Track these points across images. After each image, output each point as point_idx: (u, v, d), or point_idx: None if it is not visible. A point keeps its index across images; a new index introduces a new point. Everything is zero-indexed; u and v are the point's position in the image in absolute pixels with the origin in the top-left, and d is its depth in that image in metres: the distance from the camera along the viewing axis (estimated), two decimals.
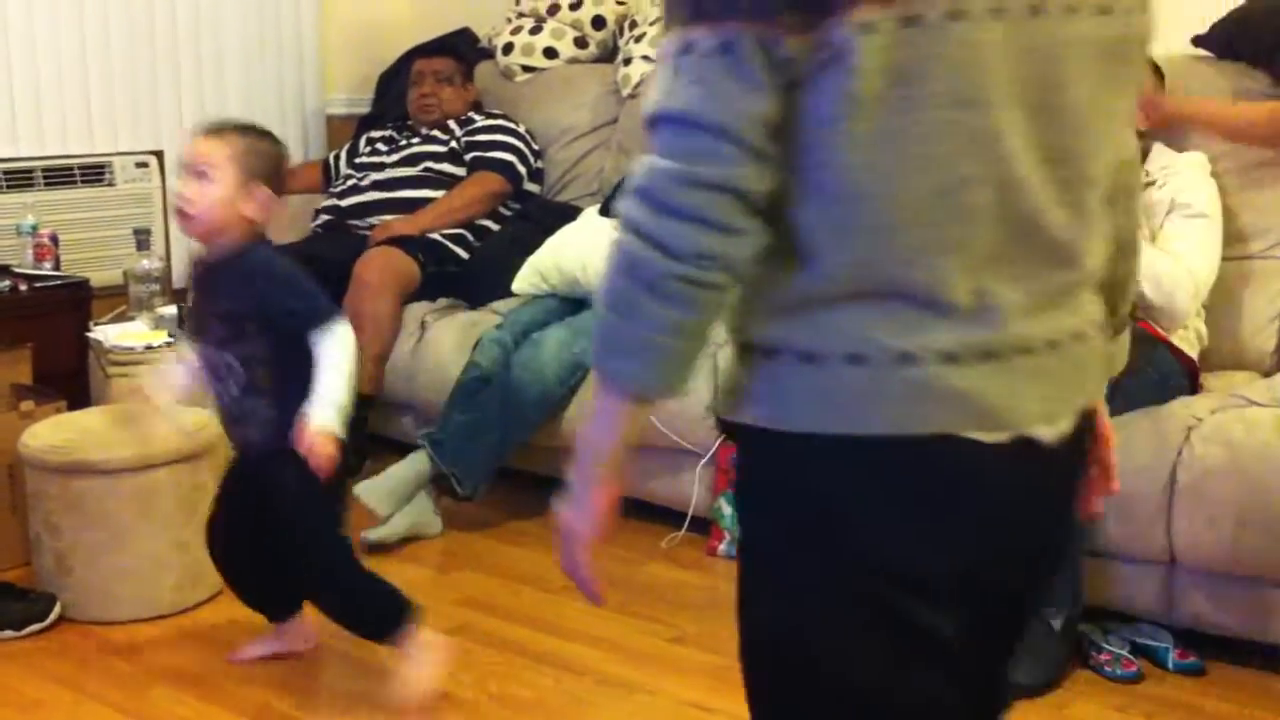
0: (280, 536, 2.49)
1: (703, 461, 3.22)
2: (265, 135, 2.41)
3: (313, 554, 2.52)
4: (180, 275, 3.88)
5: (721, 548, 3.22)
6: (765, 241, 1.15)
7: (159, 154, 4.27)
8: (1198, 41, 3.34)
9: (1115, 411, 2.57)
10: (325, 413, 2.34)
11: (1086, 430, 1.28)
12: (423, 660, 2.49)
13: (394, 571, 3.13)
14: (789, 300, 1.17)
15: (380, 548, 3.25)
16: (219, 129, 2.37)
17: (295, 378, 2.35)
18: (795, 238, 1.15)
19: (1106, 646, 2.64)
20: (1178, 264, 2.83)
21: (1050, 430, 1.19)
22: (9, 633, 2.79)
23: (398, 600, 2.50)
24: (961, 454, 1.14)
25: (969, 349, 1.14)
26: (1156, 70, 3.04)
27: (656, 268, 1.12)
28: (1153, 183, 2.98)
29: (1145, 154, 3.05)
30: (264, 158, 2.36)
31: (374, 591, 2.52)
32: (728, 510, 3.20)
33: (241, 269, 2.38)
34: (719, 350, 3.16)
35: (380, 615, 2.51)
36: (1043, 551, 1.28)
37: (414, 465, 3.33)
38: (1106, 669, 2.60)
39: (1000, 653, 1.31)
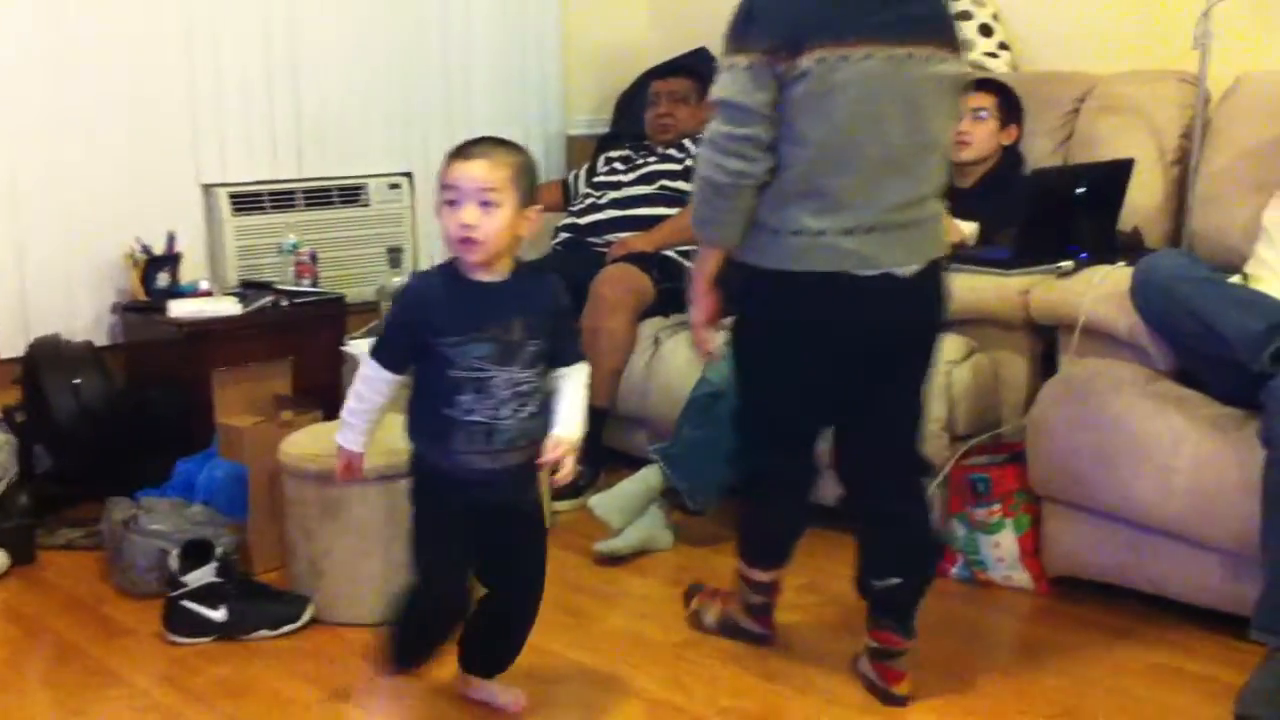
0: (518, 563, 2.51)
1: (935, 482, 3.16)
2: (524, 150, 2.38)
3: (540, 579, 2.56)
4: None
5: (955, 570, 3.16)
6: (771, 164, 2.40)
7: (409, 175, 4.45)
8: None
9: None
10: (577, 429, 2.41)
11: (934, 276, 2.48)
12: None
13: (625, 583, 3.20)
14: (770, 200, 2.42)
15: (612, 560, 3.30)
16: (488, 151, 2.29)
17: (546, 386, 2.40)
18: (779, 163, 2.39)
19: None
20: None
21: (905, 270, 2.41)
22: (265, 631, 2.93)
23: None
24: (849, 279, 2.39)
25: (858, 226, 2.38)
26: None
27: (719, 180, 2.41)
28: None
29: None
30: (531, 175, 2.34)
31: None
32: (961, 532, 3.14)
33: (540, 290, 2.38)
34: (952, 370, 3.14)
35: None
36: (905, 330, 2.49)
37: (646, 479, 3.38)
38: None
39: (885, 389, 2.53)
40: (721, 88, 2.40)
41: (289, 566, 3.12)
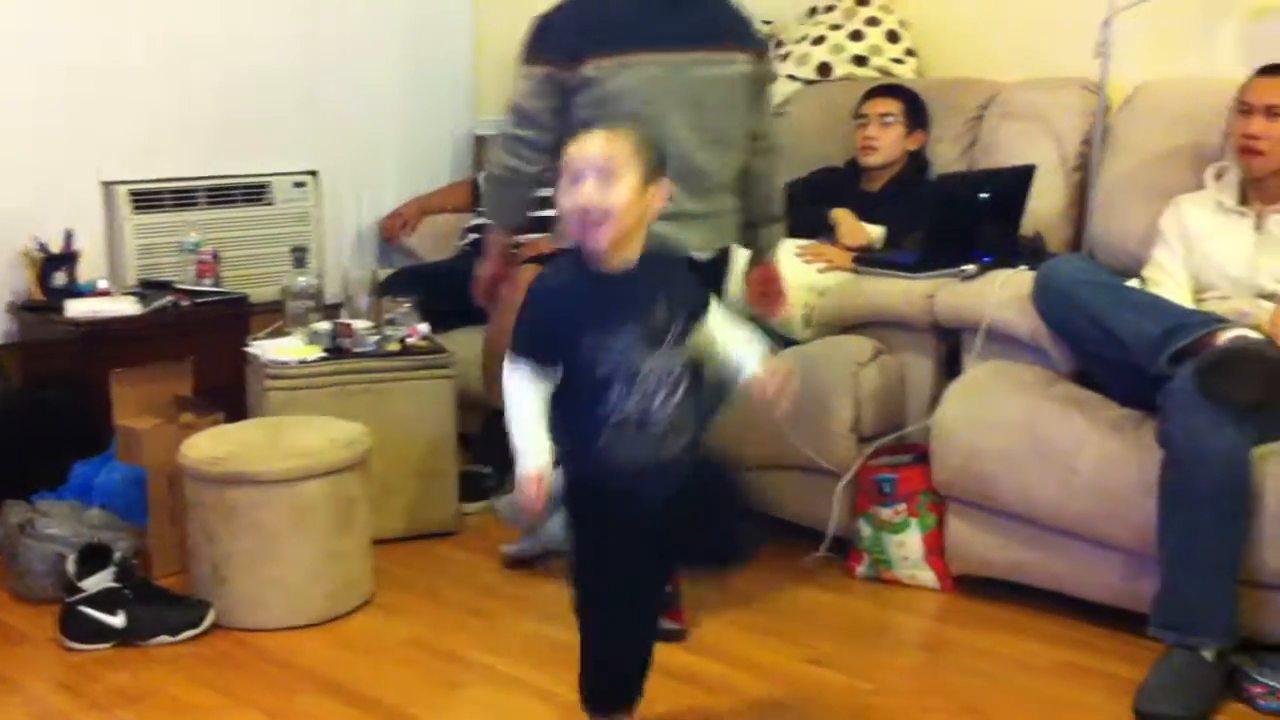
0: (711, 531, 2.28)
1: (842, 482, 3.19)
2: (641, 129, 2.25)
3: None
4: (334, 292, 3.99)
5: (861, 569, 3.19)
6: (546, 164, 2.75)
7: (315, 174, 4.40)
8: None
9: (1276, 437, 2.55)
10: (765, 355, 2.27)
11: (725, 263, 2.87)
12: None
13: (534, 586, 3.19)
14: None
15: (520, 562, 3.29)
16: (607, 130, 2.18)
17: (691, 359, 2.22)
18: None
19: (1260, 679, 2.55)
20: None
21: (703, 254, 2.74)
22: (165, 638, 2.87)
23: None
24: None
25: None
26: None
27: (497, 173, 2.88)
28: None
29: None
30: (655, 151, 2.18)
31: None
32: (867, 531, 3.17)
33: (679, 264, 2.30)
34: (859, 371, 3.17)
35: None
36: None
37: (556, 480, 3.35)
38: (1260, 702, 2.52)
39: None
40: (514, 94, 2.79)
41: (190, 571, 3.07)
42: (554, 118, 2.74)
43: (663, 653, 2.80)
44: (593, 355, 2.11)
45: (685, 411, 2.17)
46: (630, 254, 2.15)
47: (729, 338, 2.27)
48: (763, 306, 3.09)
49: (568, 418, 2.16)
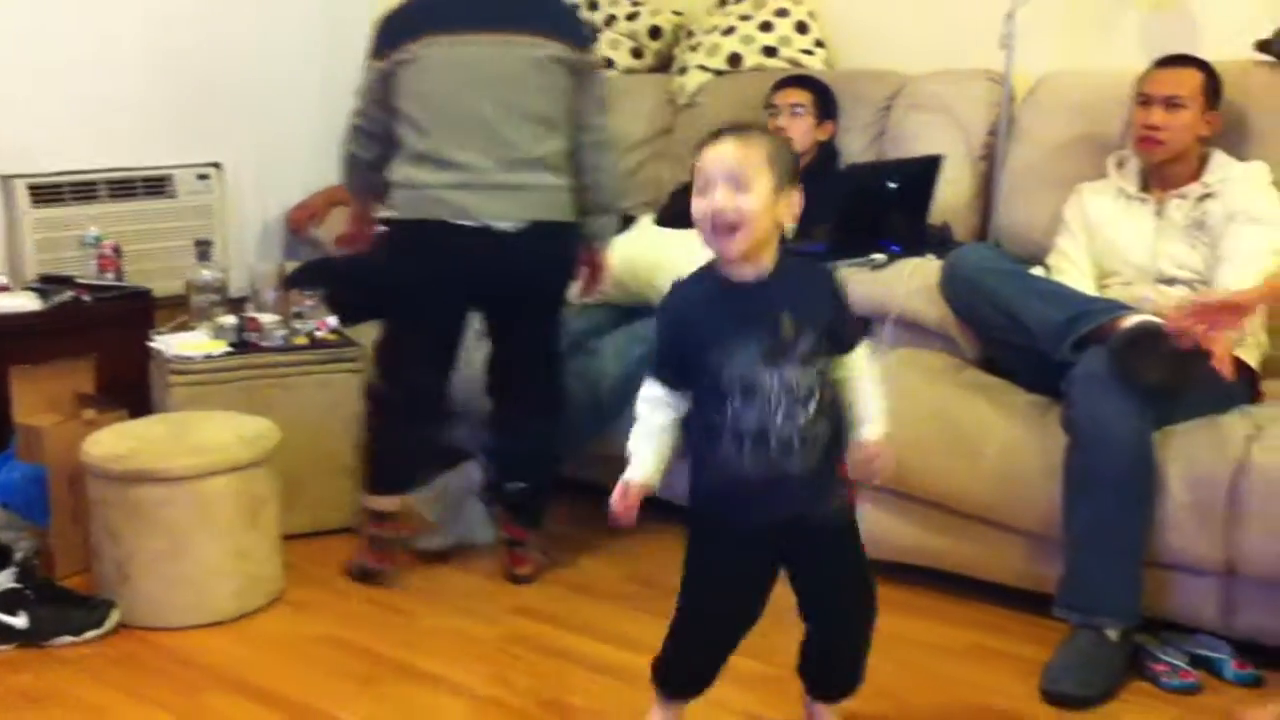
0: (830, 587, 2.25)
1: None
2: (780, 139, 2.19)
3: (863, 601, 2.29)
4: (240, 286, 3.93)
5: None
6: (379, 150, 3.05)
7: (218, 166, 4.33)
8: (1261, 47, 3.30)
9: (1176, 419, 2.61)
10: (887, 424, 2.19)
11: (546, 237, 3.00)
12: None
13: (447, 580, 3.17)
14: (397, 163, 3.00)
15: (432, 555, 3.26)
16: (741, 133, 2.09)
17: (831, 377, 2.15)
18: (400, 139, 2.98)
19: (1163, 657, 2.60)
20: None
21: (503, 224, 2.93)
22: (68, 638, 2.82)
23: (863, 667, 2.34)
24: (450, 228, 2.93)
25: (460, 183, 2.90)
26: (1212, 78, 3.01)
27: (343, 154, 3.16)
28: (1210, 195, 2.96)
29: (1203, 162, 3.02)
30: (790, 157, 2.12)
31: None
32: None
33: (812, 279, 2.15)
34: None
35: (857, 677, 2.34)
36: (512, 279, 3.01)
37: (466, 474, 3.35)
38: (1163, 680, 2.57)
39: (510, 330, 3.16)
40: (361, 83, 3.09)
41: (93, 570, 3.02)
42: (379, 109, 3.02)
43: (576, 642, 2.82)
44: (716, 366, 2.07)
45: (813, 430, 2.10)
46: (763, 264, 2.08)
47: (863, 383, 2.17)
48: (583, 288, 3.22)
49: (695, 427, 2.14)
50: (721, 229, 2.03)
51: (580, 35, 3.10)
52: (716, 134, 2.09)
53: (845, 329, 2.16)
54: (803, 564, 2.22)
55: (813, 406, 2.09)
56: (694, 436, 2.15)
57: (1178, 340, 2.58)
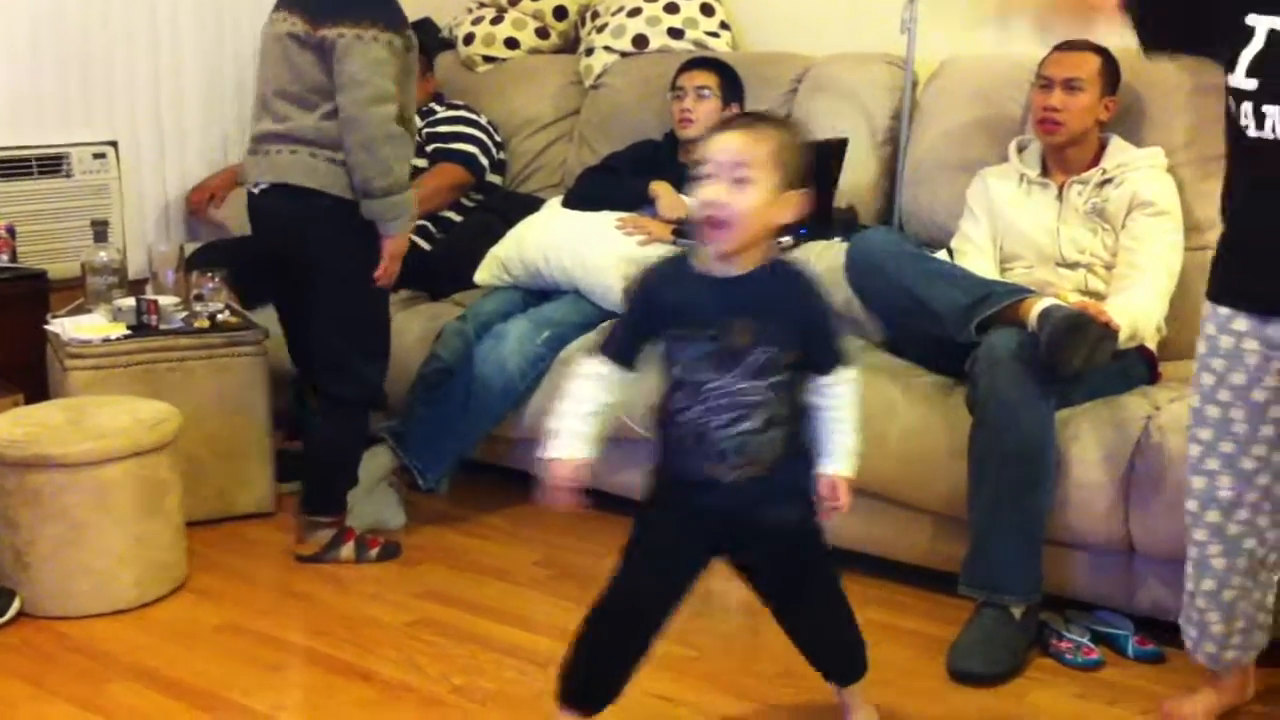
0: (792, 593, 2.23)
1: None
2: (794, 127, 2.11)
3: (839, 595, 2.27)
4: (138, 268, 3.85)
5: None
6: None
7: (115, 145, 4.23)
8: None
9: (1077, 400, 2.67)
10: (851, 464, 2.14)
11: (287, 197, 3.05)
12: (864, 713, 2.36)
13: (352, 566, 3.15)
14: None
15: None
16: (751, 124, 2.03)
17: (798, 395, 2.11)
18: None
19: (1066, 635, 2.66)
20: (1150, 317, 2.88)
21: (253, 186, 3.13)
22: None
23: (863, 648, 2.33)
24: (251, 196, 3.16)
25: (246, 152, 3.19)
26: (1111, 63, 3.07)
27: None
28: (1109, 180, 3.01)
29: (1102, 147, 3.08)
30: (799, 155, 2.03)
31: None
32: None
33: (786, 289, 2.06)
34: None
35: (860, 661, 2.33)
36: (275, 241, 3.18)
37: (375, 458, 3.32)
38: (1066, 656, 2.63)
39: None
40: None
41: None
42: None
43: (486, 626, 2.82)
44: (670, 352, 2.05)
45: (757, 441, 2.05)
46: (744, 263, 2.04)
47: (837, 416, 2.12)
48: (378, 272, 3.08)
49: (658, 412, 2.12)
50: (711, 223, 1.99)
51: (319, 11, 2.98)
52: (729, 120, 2.04)
53: (823, 349, 2.09)
54: (757, 568, 2.22)
55: (758, 419, 2.04)
56: (656, 417, 2.13)
57: (1103, 328, 2.62)
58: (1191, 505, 2.32)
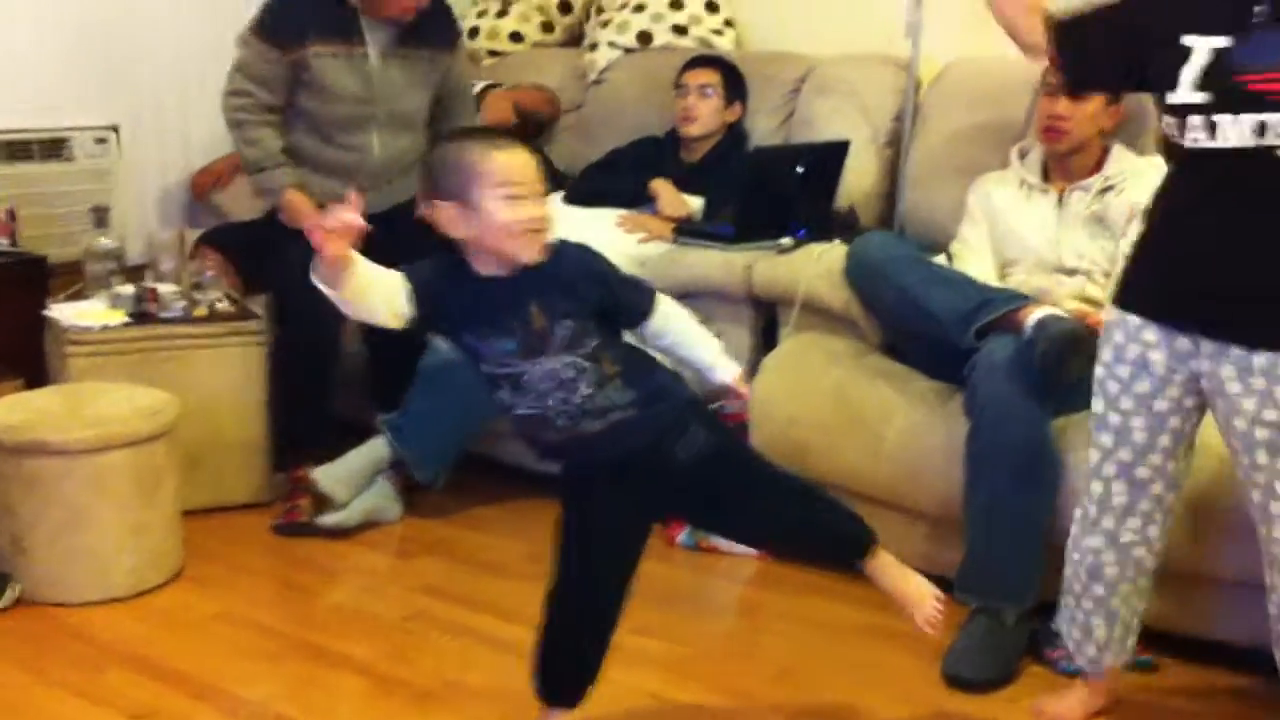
0: (735, 504, 2.26)
1: None
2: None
3: (788, 481, 2.32)
4: (138, 253, 3.85)
5: (681, 538, 3.22)
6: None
7: (116, 129, 4.23)
8: None
9: (1077, 408, 2.67)
10: (725, 361, 2.26)
11: None
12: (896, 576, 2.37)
13: (353, 557, 3.15)
14: None
15: (338, 533, 3.24)
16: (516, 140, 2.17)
17: (622, 348, 2.17)
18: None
19: (1060, 643, 2.66)
20: None
21: None
22: None
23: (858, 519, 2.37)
24: None
25: None
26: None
27: None
28: (1110, 188, 3.02)
29: (1104, 154, 3.09)
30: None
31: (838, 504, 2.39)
32: None
33: (573, 262, 2.15)
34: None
35: (856, 532, 2.36)
36: None
37: (373, 450, 3.32)
38: (1061, 664, 2.63)
39: None
40: None
41: None
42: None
43: (481, 621, 2.82)
44: (474, 352, 2.10)
45: (600, 399, 2.10)
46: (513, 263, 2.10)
47: (685, 335, 2.24)
48: None
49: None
50: (540, 236, 2.07)
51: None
52: (500, 138, 2.13)
53: (624, 303, 2.17)
54: (689, 503, 2.27)
55: (588, 383, 2.09)
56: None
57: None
58: (1091, 511, 2.36)
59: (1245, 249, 2.12)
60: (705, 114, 3.77)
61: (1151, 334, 2.23)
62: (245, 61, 3.40)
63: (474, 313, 2.09)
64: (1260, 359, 2.12)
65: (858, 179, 3.66)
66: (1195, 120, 2.13)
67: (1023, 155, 3.21)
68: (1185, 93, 2.13)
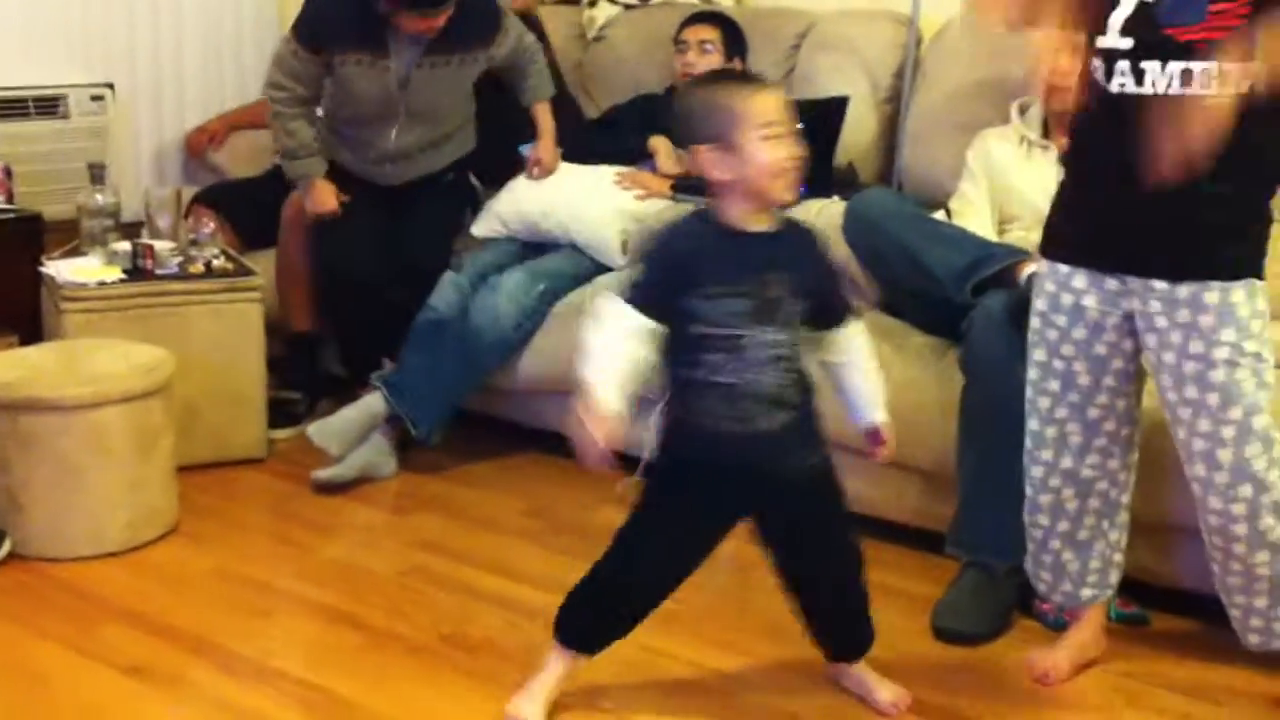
0: (810, 544, 2.27)
1: (658, 408, 3.21)
2: None
3: (856, 554, 2.33)
4: (133, 211, 3.84)
5: None
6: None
7: (112, 87, 4.21)
8: None
9: None
10: (885, 410, 2.30)
11: None
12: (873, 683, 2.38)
13: (346, 513, 3.16)
14: None
15: (332, 488, 3.24)
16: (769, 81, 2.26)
17: (810, 354, 2.21)
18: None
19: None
20: None
21: None
22: None
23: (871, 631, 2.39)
24: None
25: None
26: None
27: None
28: None
29: None
30: None
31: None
32: None
33: (812, 243, 2.19)
34: None
35: (864, 638, 2.38)
36: None
37: (368, 406, 3.32)
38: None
39: None
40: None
41: None
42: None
43: (475, 576, 2.83)
44: (694, 310, 2.08)
45: (787, 391, 2.12)
46: (769, 220, 2.14)
47: (859, 365, 2.26)
48: None
49: (672, 373, 2.14)
50: (796, 177, 2.09)
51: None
52: (753, 79, 2.16)
53: (835, 301, 2.20)
54: (773, 522, 2.24)
55: (789, 368, 2.12)
56: (670, 383, 2.15)
57: None
58: (1046, 455, 2.39)
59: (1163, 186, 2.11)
60: (705, 70, 3.74)
61: (1081, 280, 2.27)
62: (282, 57, 3.55)
63: (717, 269, 2.07)
64: (1183, 290, 2.16)
65: (857, 135, 3.64)
66: (1123, 65, 2.16)
67: (1023, 111, 3.19)
68: (1112, 38, 2.16)
